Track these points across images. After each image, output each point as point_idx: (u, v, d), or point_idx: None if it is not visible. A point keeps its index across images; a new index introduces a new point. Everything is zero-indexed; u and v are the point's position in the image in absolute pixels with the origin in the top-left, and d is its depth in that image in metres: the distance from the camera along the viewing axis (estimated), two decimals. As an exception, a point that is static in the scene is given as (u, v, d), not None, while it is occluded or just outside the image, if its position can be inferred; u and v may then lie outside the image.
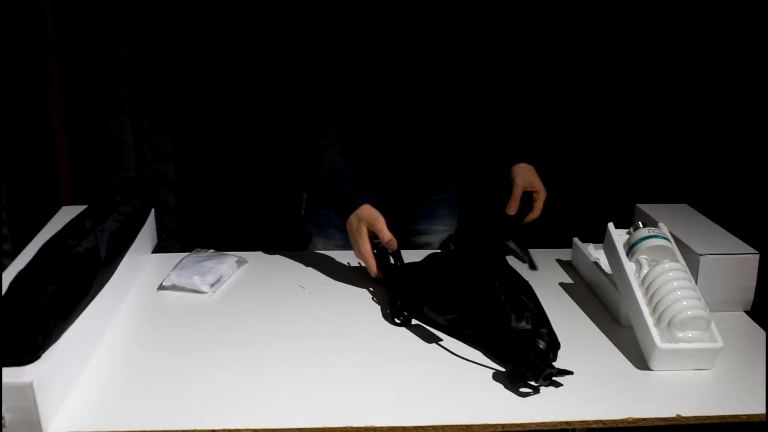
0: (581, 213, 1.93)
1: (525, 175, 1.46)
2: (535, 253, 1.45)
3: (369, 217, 1.28)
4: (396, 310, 1.20)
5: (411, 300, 1.20)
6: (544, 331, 1.07)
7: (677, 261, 1.14)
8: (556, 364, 1.01)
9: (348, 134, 1.42)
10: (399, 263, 1.29)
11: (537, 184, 1.46)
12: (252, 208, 2.45)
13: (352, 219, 1.30)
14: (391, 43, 1.38)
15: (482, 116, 1.53)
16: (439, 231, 1.62)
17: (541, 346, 1.02)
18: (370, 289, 1.31)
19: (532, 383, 1.00)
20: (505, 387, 1.02)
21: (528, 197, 1.46)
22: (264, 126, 2.38)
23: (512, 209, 1.44)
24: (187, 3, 2.21)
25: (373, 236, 1.28)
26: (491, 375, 1.04)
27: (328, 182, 1.35)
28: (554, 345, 1.06)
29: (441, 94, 1.47)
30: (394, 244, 1.27)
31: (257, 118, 2.37)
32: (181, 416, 0.94)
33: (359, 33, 1.37)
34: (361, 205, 1.30)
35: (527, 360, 0.99)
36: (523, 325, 1.07)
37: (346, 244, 1.37)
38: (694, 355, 1.05)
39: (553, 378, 1.00)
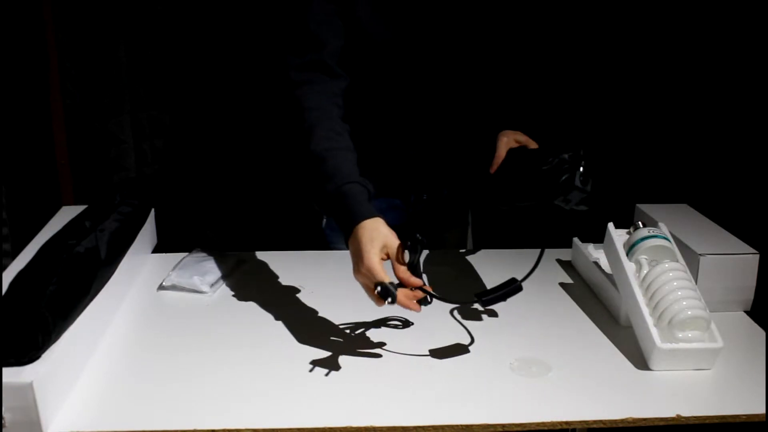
0: (581, 213, 1.92)
1: (510, 134, 1.34)
2: (535, 254, 1.44)
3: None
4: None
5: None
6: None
7: (677, 261, 1.14)
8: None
9: (367, 134, 1.42)
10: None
11: (523, 139, 1.34)
12: (252, 208, 2.45)
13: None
14: (410, 37, 1.38)
15: (491, 113, 1.53)
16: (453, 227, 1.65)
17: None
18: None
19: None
20: (505, 387, 1.02)
21: (518, 156, 1.32)
22: (266, 125, 2.38)
23: (494, 167, 1.32)
24: (187, 3, 2.21)
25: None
26: (491, 375, 1.05)
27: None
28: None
29: (459, 92, 1.46)
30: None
31: (259, 118, 2.37)
32: (181, 416, 0.94)
33: (384, 31, 1.36)
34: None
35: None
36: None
37: None
38: (694, 355, 1.05)
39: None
